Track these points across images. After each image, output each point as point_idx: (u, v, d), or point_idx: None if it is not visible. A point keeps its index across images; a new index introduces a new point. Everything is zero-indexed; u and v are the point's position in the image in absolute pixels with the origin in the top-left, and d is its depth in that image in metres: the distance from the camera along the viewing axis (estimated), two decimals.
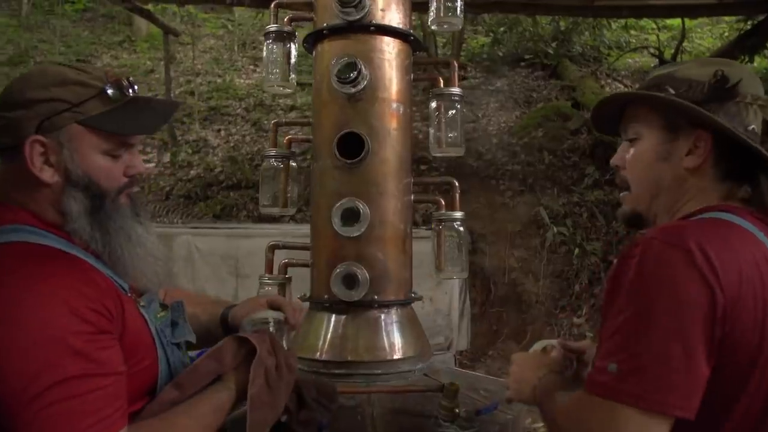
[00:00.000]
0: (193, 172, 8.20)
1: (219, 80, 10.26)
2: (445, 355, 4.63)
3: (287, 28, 1.94)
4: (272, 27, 1.93)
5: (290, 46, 1.94)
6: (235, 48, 11.68)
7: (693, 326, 0.94)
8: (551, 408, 1.14)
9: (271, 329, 1.32)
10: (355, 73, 1.65)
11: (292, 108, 8.89)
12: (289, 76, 1.94)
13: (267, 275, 1.90)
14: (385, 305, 1.71)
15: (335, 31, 1.76)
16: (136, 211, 1.23)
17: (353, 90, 1.68)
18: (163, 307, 1.27)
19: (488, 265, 5.80)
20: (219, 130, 9.13)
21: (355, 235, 1.66)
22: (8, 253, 1.06)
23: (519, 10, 7.35)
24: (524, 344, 5.22)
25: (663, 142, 1.15)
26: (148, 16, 8.31)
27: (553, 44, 8.90)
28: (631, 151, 1.20)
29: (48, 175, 1.11)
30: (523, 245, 5.92)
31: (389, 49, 1.77)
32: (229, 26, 12.22)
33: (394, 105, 1.77)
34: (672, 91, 1.13)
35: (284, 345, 1.33)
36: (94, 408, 0.99)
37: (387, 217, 1.74)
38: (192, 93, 10.00)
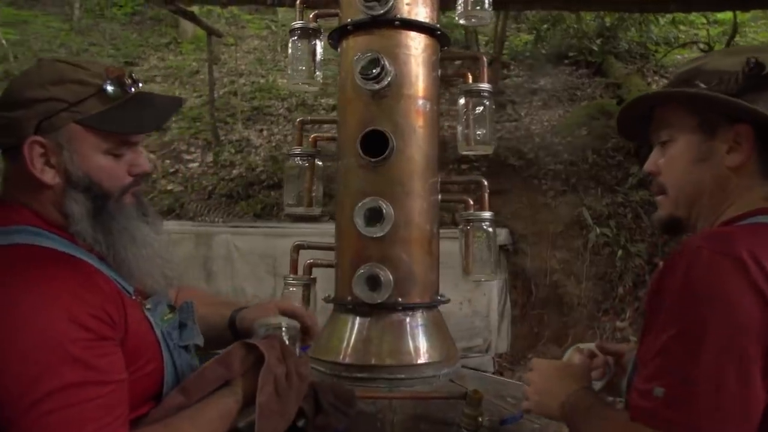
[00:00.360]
0: (235, 172, 8.27)
1: (262, 80, 10.34)
2: (484, 357, 4.56)
3: (312, 25, 1.91)
4: (297, 24, 1.90)
5: (315, 43, 1.91)
6: (278, 48, 11.75)
7: (748, 345, 0.85)
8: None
9: (284, 336, 1.28)
10: (379, 69, 1.61)
11: (334, 108, 8.89)
12: (315, 73, 1.91)
13: (291, 276, 1.88)
14: (410, 308, 1.66)
15: (359, 27, 1.72)
16: (142, 210, 1.21)
17: (377, 86, 1.64)
18: (171, 308, 1.25)
19: (529, 266, 5.68)
20: (261, 130, 9.19)
21: (378, 235, 1.62)
22: (10, 255, 1.04)
23: (563, 7, 7.21)
24: (566, 347, 5.09)
25: (699, 142, 1.07)
26: (192, 18, 8.42)
27: (598, 41, 8.69)
28: (666, 155, 1.12)
29: (49, 176, 1.10)
30: (565, 246, 5.77)
31: (415, 44, 1.72)
32: (273, 27, 12.31)
33: (420, 102, 1.72)
34: (703, 86, 1.04)
35: (296, 352, 1.28)
36: (93, 416, 0.97)
37: (412, 218, 1.69)
38: (235, 93, 10.10)
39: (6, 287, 0.99)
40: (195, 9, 8.86)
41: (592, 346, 1.34)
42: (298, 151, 1.93)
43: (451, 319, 4.47)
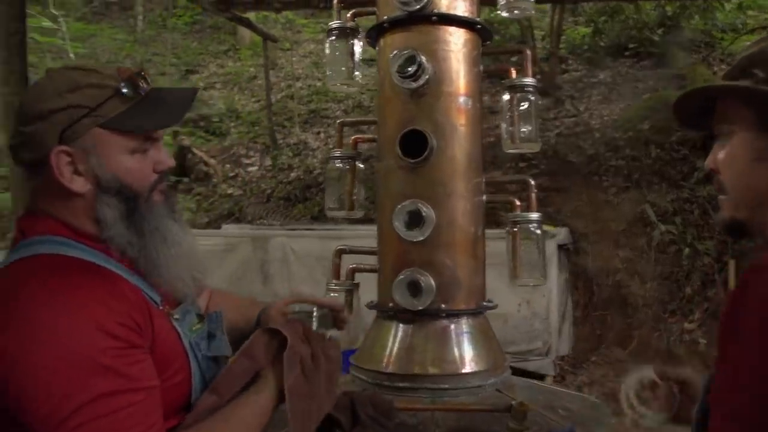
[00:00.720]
0: (292, 175, 8.35)
1: (318, 83, 10.40)
2: (544, 360, 4.42)
3: (350, 24, 1.86)
4: (335, 24, 1.85)
5: (353, 43, 1.86)
6: None
7: None
8: None
9: (314, 320, 1.26)
10: (415, 66, 1.54)
11: None
12: (353, 73, 1.86)
13: (334, 281, 1.82)
14: (454, 314, 1.59)
15: (396, 24, 1.66)
16: (171, 207, 1.19)
17: (414, 85, 1.57)
18: (200, 318, 1.21)
19: (591, 266, 5.49)
20: (318, 133, 9.25)
21: (418, 239, 1.55)
22: (34, 266, 1.03)
23: None
24: (630, 350, 4.90)
25: (757, 140, 0.96)
26: (248, 24, 8.55)
27: (659, 31, 8.36)
28: (724, 152, 1.01)
29: (79, 184, 1.08)
30: (628, 245, 5.56)
31: (454, 39, 1.65)
32: None
33: (462, 99, 1.65)
34: (761, 75, 0.93)
35: (327, 337, 1.26)
36: (127, 425, 0.95)
37: (455, 220, 1.62)
38: (292, 97, 10.21)
39: (29, 299, 0.97)
40: (251, 16, 9.00)
41: (651, 374, 1.23)
42: (338, 153, 1.88)
43: (510, 321, 4.41)
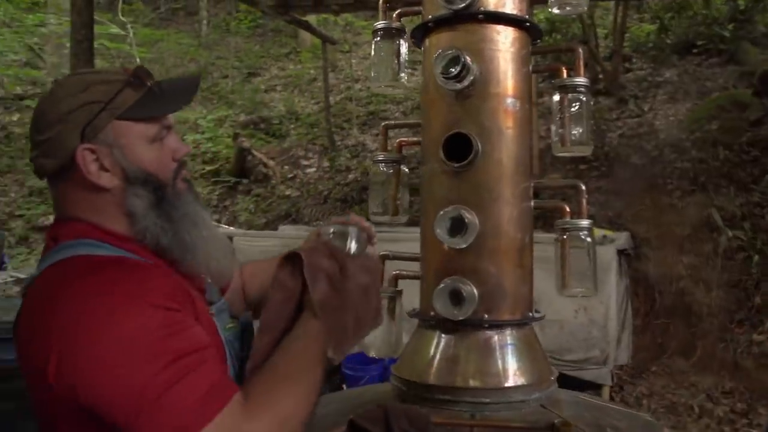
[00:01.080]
0: (350, 176, 8.37)
1: None
2: (601, 370, 4.26)
3: (395, 25, 1.80)
4: (380, 24, 1.80)
5: (399, 43, 1.80)
6: None
7: None
8: None
9: (350, 240, 1.25)
10: (459, 67, 1.48)
11: None
12: (399, 74, 1.80)
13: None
14: (498, 325, 1.52)
15: (440, 23, 1.59)
16: (195, 195, 1.22)
17: (459, 86, 1.51)
18: (233, 319, 1.24)
19: (653, 273, 5.27)
20: (377, 134, 9.24)
21: (461, 246, 1.48)
22: (68, 268, 1.04)
23: None
24: (694, 360, 4.68)
25: None
26: (307, 27, 8.62)
27: (730, 26, 7.98)
28: None
29: (106, 179, 1.09)
30: (693, 251, 5.31)
31: (501, 38, 1.57)
32: None
33: (509, 101, 1.57)
34: None
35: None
36: (201, 381, 0.97)
37: (501, 226, 1.54)
38: (351, 99, 10.24)
39: (71, 300, 0.98)
40: (312, 19, 9.07)
41: None
42: (381, 157, 1.83)
43: (566, 328, 4.27)
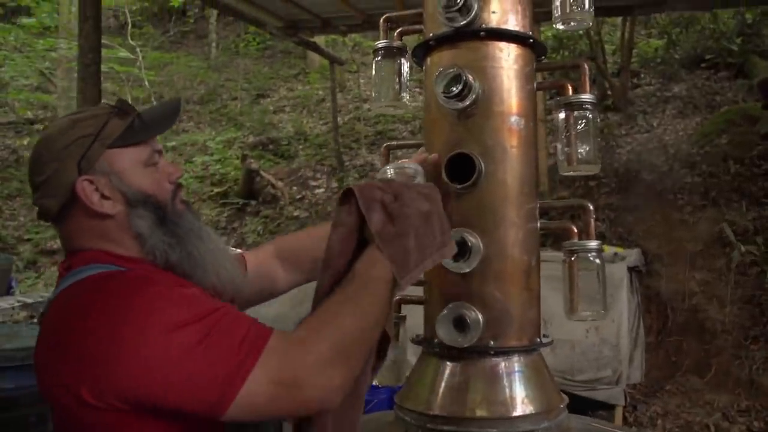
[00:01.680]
0: None
1: None
2: (613, 390, 4.16)
3: (397, 44, 1.77)
4: (381, 43, 1.77)
5: (401, 63, 1.76)
6: None
7: None
8: None
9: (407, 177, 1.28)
10: (461, 85, 1.43)
11: None
12: (400, 94, 1.76)
13: None
14: (504, 352, 1.45)
15: (442, 41, 1.55)
16: (194, 213, 1.26)
17: (461, 105, 1.46)
18: None
19: (665, 289, 5.18)
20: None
21: (465, 270, 1.43)
22: (88, 285, 1.07)
23: (697, 7, 6.63)
24: (708, 378, 4.57)
25: None
26: (315, 48, 8.64)
27: (738, 40, 7.93)
28: None
29: (109, 207, 1.13)
30: (705, 266, 5.22)
31: (504, 55, 1.52)
32: None
33: (513, 119, 1.52)
34: None
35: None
36: (237, 327, 1.01)
37: (506, 249, 1.49)
38: (359, 119, 10.24)
39: (100, 312, 1.00)
40: (321, 40, 9.10)
41: None
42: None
43: (577, 348, 4.18)
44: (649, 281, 5.16)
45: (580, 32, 7.41)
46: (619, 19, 8.27)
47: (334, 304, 1.08)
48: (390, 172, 1.34)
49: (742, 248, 5.07)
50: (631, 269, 4.55)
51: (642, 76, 8.83)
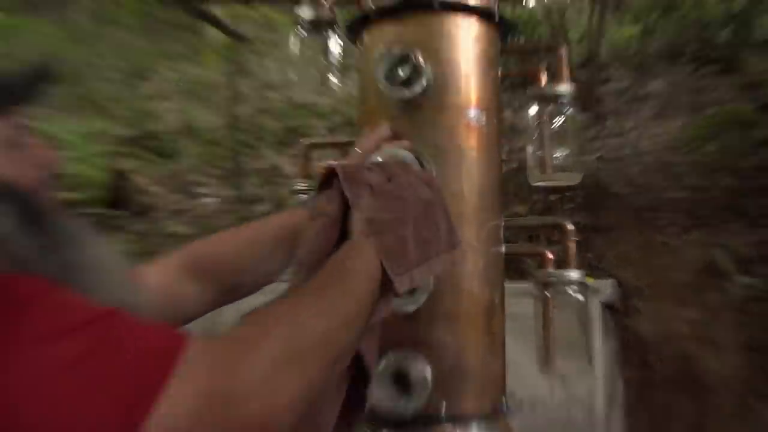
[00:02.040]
0: (260, 208, 8.23)
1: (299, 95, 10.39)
2: None
3: (326, 15, 1.74)
4: (305, 12, 1.75)
5: (329, 39, 1.75)
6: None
7: None
8: None
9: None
10: (409, 69, 1.42)
11: None
12: (328, 78, 1.75)
13: None
14: (460, 419, 1.42)
15: (385, 13, 1.53)
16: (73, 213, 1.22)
17: (408, 94, 1.45)
18: None
19: (647, 332, 5.28)
20: (296, 156, 9.17)
21: (409, 310, 1.39)
22: None
23: None
24: None
25: None
26: (212, 20, 8.56)
27: (725, 30, 8.34)
28: None
29: None
30: (695, 302, 5.37)
31: (463, 34, 1.52)
32: None
33: (472, 113, 1.51)
34: None
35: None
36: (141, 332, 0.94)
37: (461, 282, 1.46)
38: (265, 111, 10.18)
39: None
40: (222, 12, 9.04)
41: None
42: (303, 186, 1.75)
43: (539, 410, 4.20)
44: (627, 321, 5.26)
45: (538, 17, 7.62)
46: (585, 2, 8.55)
47: (293, 295, 1.05)
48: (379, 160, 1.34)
49: (741, 280, 5.25)
50: (605, 307, 4.63)
51: (612, 69, 9.14)
